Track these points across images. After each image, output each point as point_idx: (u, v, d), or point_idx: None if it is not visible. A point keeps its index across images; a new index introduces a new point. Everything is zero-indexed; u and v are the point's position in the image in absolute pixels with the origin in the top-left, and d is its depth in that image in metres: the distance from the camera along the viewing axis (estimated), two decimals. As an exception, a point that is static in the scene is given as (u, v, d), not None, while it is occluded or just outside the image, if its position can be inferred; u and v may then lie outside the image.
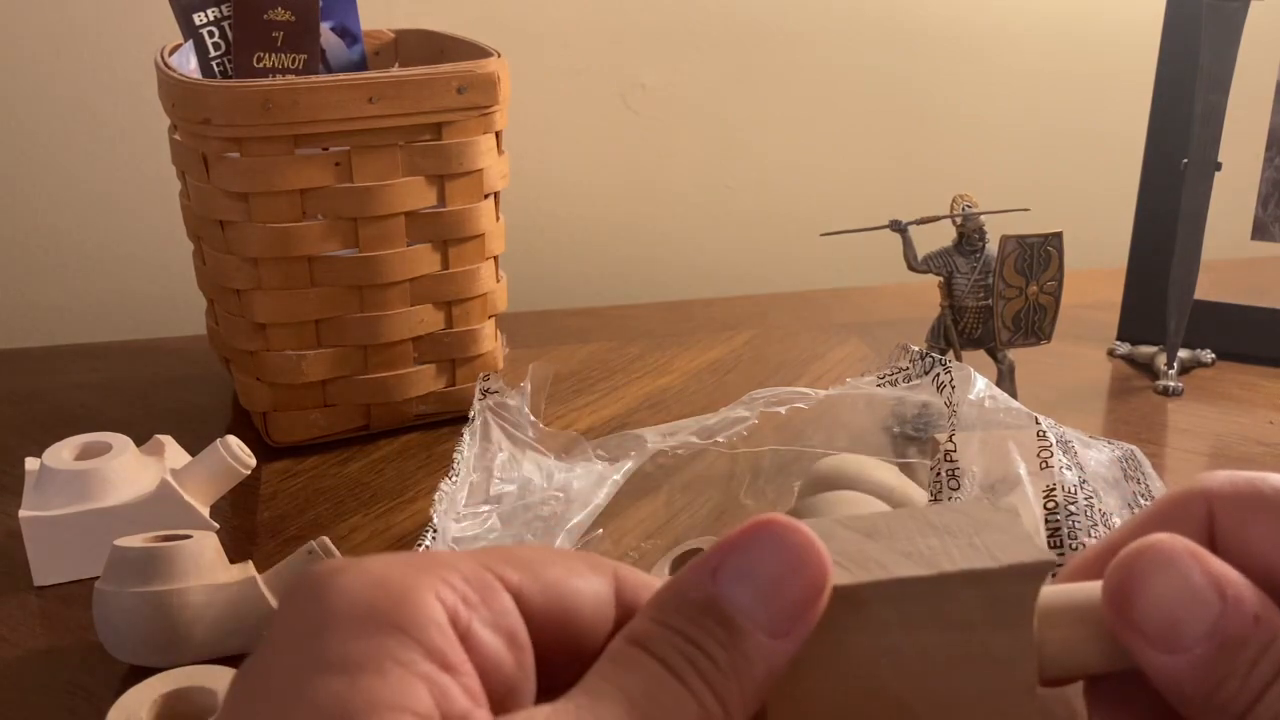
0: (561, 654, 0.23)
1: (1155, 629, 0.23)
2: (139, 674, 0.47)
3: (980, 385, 0.52)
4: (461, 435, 0.55)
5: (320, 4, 0.72)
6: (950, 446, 0.48)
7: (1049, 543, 0.45)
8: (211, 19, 0.71)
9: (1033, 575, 0.24)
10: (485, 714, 0.21)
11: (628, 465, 0.54)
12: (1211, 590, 0.23)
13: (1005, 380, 0.70)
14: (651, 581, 0.25)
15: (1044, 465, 0.47)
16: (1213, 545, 0.25)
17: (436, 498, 0.51)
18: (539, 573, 0.23)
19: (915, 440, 0.60)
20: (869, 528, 0.24)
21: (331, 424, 0.70)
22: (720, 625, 0.22)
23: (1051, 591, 0.25)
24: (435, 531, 0.48)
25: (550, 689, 0.23)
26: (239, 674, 0.21)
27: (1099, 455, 0.50)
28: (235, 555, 0.53)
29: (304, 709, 0.19)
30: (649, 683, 0.21)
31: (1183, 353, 0.79)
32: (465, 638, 0.21)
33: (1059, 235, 0.67)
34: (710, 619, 0.22)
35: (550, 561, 0.24)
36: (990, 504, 0.24)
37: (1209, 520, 0.26)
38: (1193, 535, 0.25)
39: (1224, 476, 0.26)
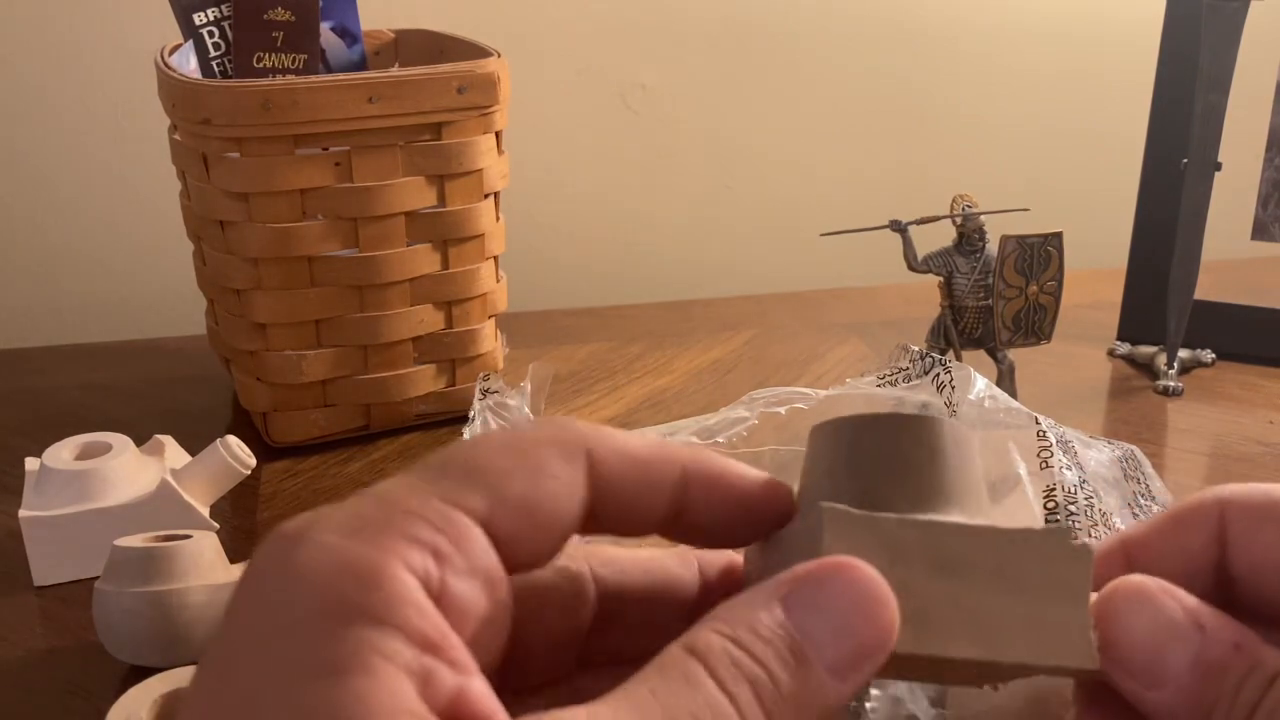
0: (532, 550, 0.23)
1: (1140, 666, 0.24)
2: (139, 674, 0.47)
3: (980, 385, 0.52)
4: (461, 435, 0.55)
5: (320, 4, 0.72)
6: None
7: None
8: (211, 19, 0.71)
9: (1077, 675, 0.25)
10: (477, 681, 0.20)
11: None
12: (1190, 624, 0.24)
13: (1005, 380, 0.70)
14: (628, 448, 0.24)
15: (1044, 465, 0.47)
16: (1224, 552, 0.26)
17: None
18: (505, 488, 0.22)
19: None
20: (942, 554, 0.23)
21: (331, 424, 0.70)
22: (790, 651, 0.21)
23: None
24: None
25: (513, 571, 0.23)
26: (199, 677, 0.20)
27: (1099, 455, 0.50)
28: (235, 555, 0.53)
29: None
30: (695, 701, 0.20)
31: (1183, 353, 0.79)
32: (441, 597, 0.21)
33: (1059, 235, 0.67)
34: (780, 643, 0.21)
35: (514, 467, 0.23)
36: (1064, 544, 0.24)
37: (1222, 527, 0.26)
38: (1206, 540, 0.26)
39: (1239, 486, 0.26)
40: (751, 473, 0.26)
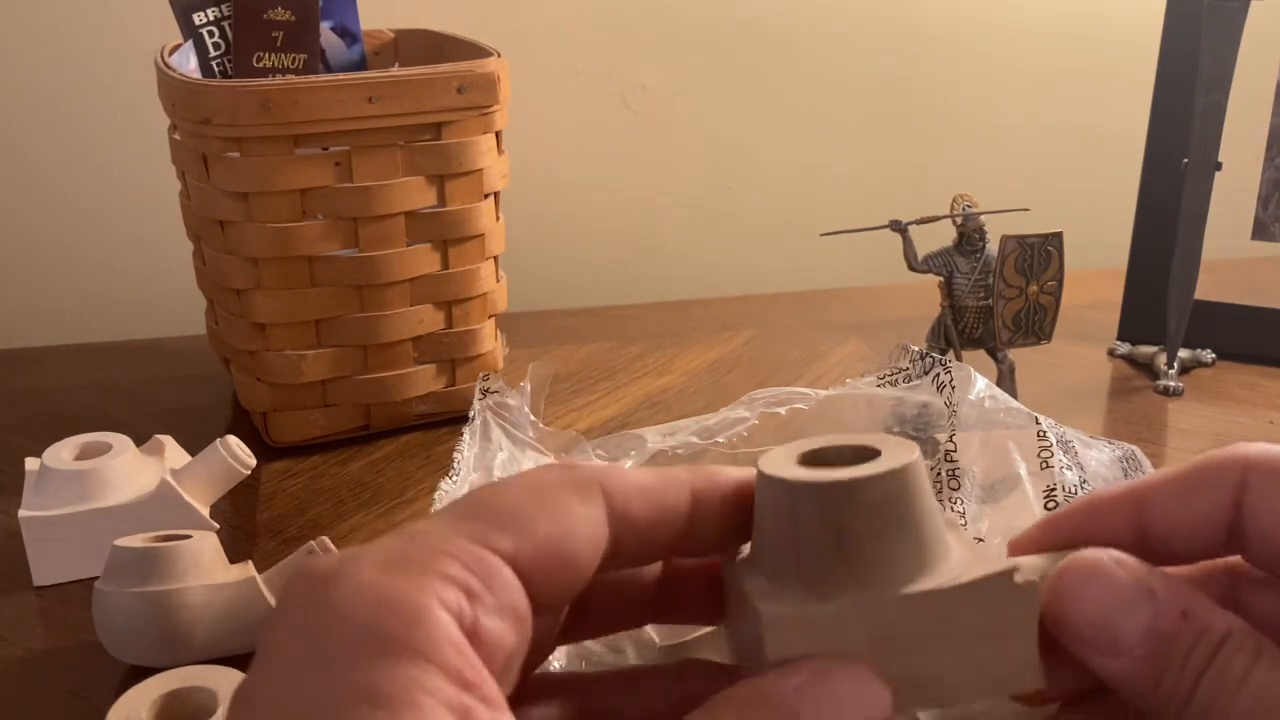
0: (557, 587, 0.24)
1: (1096, 637, 0.25)
2: (139, 674, 0.47)
3: (980, 385, 0.52)
4: (461, 435, 0.55)
5: (320, 4, 0.72)
6: (950, 447, 0.48)
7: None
8: (211, 19, 0.71)
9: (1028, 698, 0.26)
10: (507, 717, 0.21)
11: (628, 465, 0.54)
12: (1142, 594, 0.25)
13: (1005, 380, 0.70)
14: (639, 482, 0.25)
15: (1044, 465, 0.47)
16: (1240, 514, 0.26)
17: (436, 497, 0.51)
18: (530, 529, 0.23)
19: (915, 440, 0.60)
20: (885, 629, 0.24)
21: (331, 424, 0.70)
22: None
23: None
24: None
25: (540, 611, 0.23)
26: (236, 704, 0.20)
27: (1099, 455, 0.50)
28: (235, 555, 0.53)
29: None
30: None
31: (1183, 353, 0.79)
32: (473, 635, 0.21)
33: (1059, 235, 0.67)
34: None
35: (538, 509, 0.24)
36: (1007, 587, 0.25)
37: (1240, 489, 0.26)
38: (1223, 502, 0.26)
39: (1262, 447, 0.27)
40: (746, 474, 0.27)
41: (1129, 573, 0.25)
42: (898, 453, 0.26)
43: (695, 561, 0.29)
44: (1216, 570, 0.28)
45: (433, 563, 0.21)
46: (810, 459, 0.26)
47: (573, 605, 0.27)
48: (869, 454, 0.26)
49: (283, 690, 0.20)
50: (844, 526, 0.24)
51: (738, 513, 0.27)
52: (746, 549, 0.27)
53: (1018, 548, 0.29)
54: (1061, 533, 0.28)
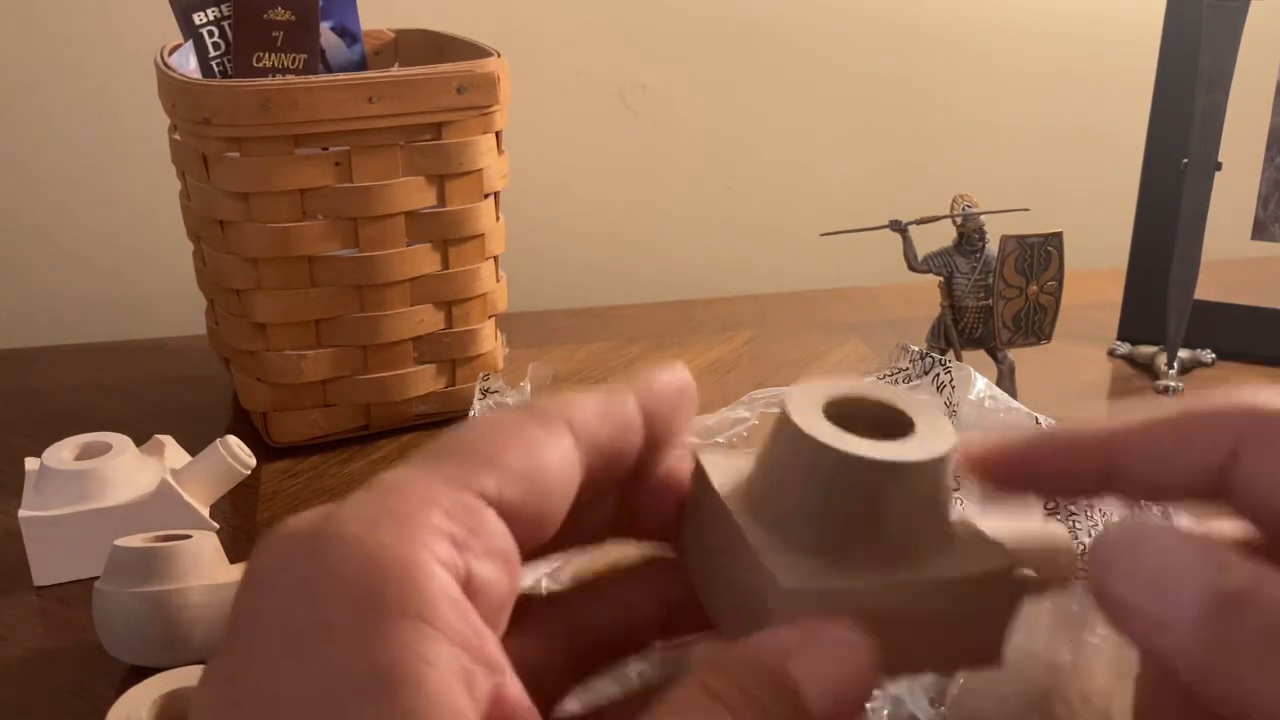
0: (539, 523, 0.23)
1: (1145, 608, 0.21)
2: (139, 674, 0.47)
3: (980, 385, 0.52)
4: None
5: (320, 4, 0.72)
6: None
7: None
8: (211, 19, 0.71)
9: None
10: (511, 681, 0.20)
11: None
12: (1205, 557, 0.21)
13: (1005, 380, 0.70)
14: (595, 404, 0.24)
15: (1044, 465, 0.47)
16: (1229, 472, 0.24)
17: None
18: (505, 466, 0.22)
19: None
20: (898, 604, 0.24)
21: (331, 424, 0.70)
22: (796, 711, 0.22)
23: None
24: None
25: (523, 551, 0.22)
26: (211, 688, 0.19)
27: (1099, 455, 0.50)
28: (235, 555, 0.53)
29: None
30: None
31: (1183, 353, 0.79)
32: (467, 584, 0.20)
33: (1059, 235, 0.67)
34: (787, 700, 0.22)
35: (509, 446, 0.22)
36: (1008, 587, 0.25)
37: (1235, 444, 0.24)
38: (1214, 459, 0.24)
39: (1260, 398, 0.24)
40: (675, 374, 0.26)
41: (1183, 538, 0.22)
42: (936, 431, 0.25)
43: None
44: (1221, 432, 0.25)
45: (418, 513, 0.20)
46: (836, 414, 0.25)
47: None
48: (898, 418, 0.25)
49: (272, 669, 0.18)
50: (881, 506, 0.24)
51: (682, 412, 0.26)
52: (720, 464, 0.26)
53: (969, 462, 0.27)
54: (1022, 467, 0.26)
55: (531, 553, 0.24)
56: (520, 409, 0.24)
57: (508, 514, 0.22)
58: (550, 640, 0.27)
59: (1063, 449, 0.26)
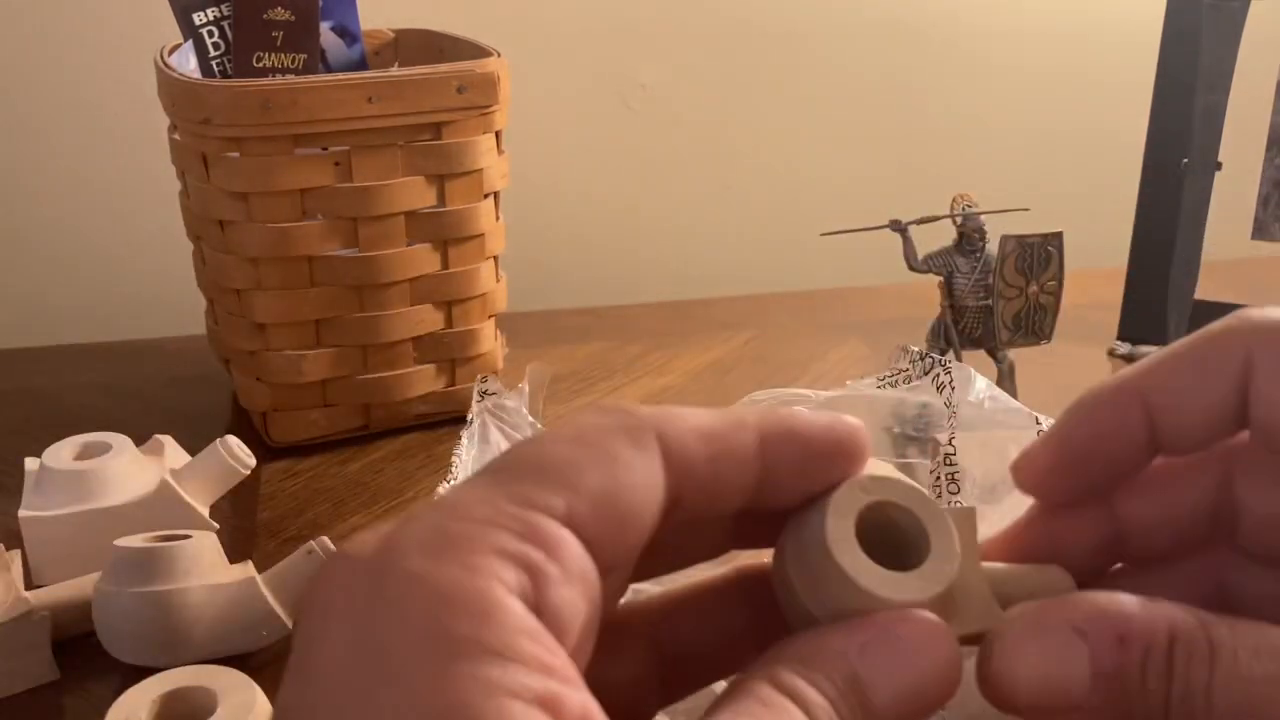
0: (616, 546, 0.21)
1: (1047, 703, 0.23)
2: (139, 674, 0.47)
3: (980, 385, 0.52)
4: (460, 436, 0.55)
5: (320, 4, 0.72)
6: (950, 449, 0.48)
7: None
8: (211, 19, 0.71)
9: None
10: (591, 701, 0.19)
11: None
12: (1070, 638, 0.22)
13: (1005, 380, 0.70)
14: (699, 425, 0.22)
15: (1044, 466, 0.47)
16: (1245, 397, 0.24)
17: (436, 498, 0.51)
18: (580, 484, 0.20)
19: (915, 440, 0.60)
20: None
21: (331, 424, 0.70)
22: (862, 707, 0.21)
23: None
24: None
25: (604, 573, 0.21)
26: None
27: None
28: (235, 555, 0.53)
29: None
30: None
31: (1183, 353, 0.79)
32: (542, 612, 0.19)
33: (1059, 235, 0.67)
34: (855, 695, 0.21)
35: (586, 461, 0.21)
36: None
37: (1246, 367, 0.24)
38: (1230, 382, 0.24)
39: (1266, 315, 0.24)
40: (819, 418, 0.24)
41: (1055, 617, 0.23)
42: (945, 555, 0.24)
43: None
44: (1211, 461, 0.26)
45: (483, 537, 0.19)
46: (867, 516, 0.24)
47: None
48: (916, 529, 0.24)
49: (341, 713, 0.18)
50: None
51: (809, 458, 0.23)
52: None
53: (1025, 470, 0.26)
54: (1075, 446, 0.26)
55: (624, 574, 0.23)
56: (610, 412, 0.22)
57: (582, 534, 0.20)
58: (635, 659, 0.26)
59: (1101, 414, 0.26)
